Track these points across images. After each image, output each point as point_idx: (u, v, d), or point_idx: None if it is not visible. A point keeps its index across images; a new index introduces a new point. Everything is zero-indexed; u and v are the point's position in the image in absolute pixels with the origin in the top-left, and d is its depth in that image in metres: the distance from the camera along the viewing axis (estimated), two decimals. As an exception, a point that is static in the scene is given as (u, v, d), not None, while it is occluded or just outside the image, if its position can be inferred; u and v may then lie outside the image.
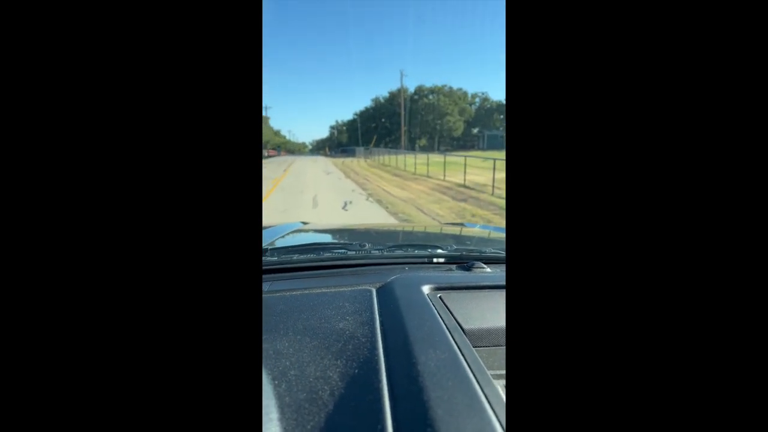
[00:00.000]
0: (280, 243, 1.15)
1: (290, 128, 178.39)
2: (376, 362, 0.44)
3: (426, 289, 0.65)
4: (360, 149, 34.69)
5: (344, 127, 69.51)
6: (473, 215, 6.01)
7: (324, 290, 0.68)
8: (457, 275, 0.76)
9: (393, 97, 47.71)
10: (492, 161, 8.64)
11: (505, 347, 0.53)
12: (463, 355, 0.44)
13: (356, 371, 0.43)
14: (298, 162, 26.04)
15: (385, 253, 0.91)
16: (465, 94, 52.60)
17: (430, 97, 47.65)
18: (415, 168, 14.99)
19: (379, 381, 0.41)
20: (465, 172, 10.18)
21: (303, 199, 7.90)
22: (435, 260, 0.89)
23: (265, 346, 0.48)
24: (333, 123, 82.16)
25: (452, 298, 0.62)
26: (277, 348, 0.48)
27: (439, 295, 0.64)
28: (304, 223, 1.66)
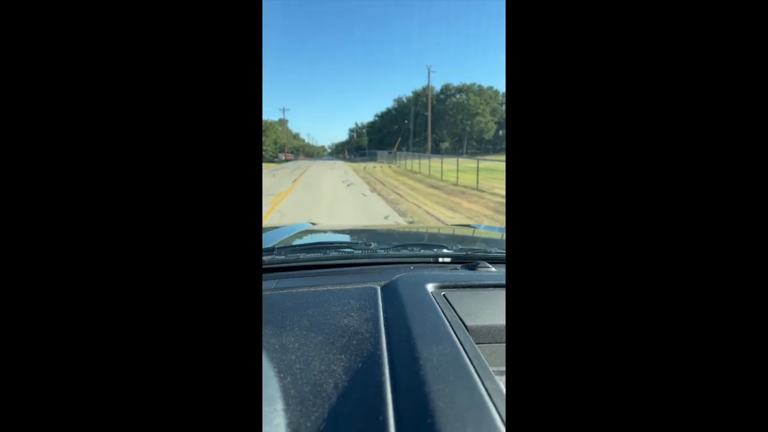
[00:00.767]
0: (288, 243, 1.13)
1: (309, 131, 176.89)
2: (380, 357, 0.45)
3: (430, 287, 0.65)
4: (382, 153, 31.61)
5: (363, 130, 66.71)
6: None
7: (330, 288, 0.68)
8: (461, 274, 0.76)
9: (417, 97, 44.33)
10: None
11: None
12: (465, 350, 0.45)
13: (360, 365, 0.44)
14: (313, 168, 23.03)
15: (391, 252, 0.90)
16: (496, 92, 48.60)
17: (458, 96, 44.17)
18: (457, 177, 11.71)
19: (382, 374, 0.42)
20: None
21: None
22: (440, 260, 0.88)
23: (271, 340, 0.49)
24: (352, 126, 80.00)
25: (456, 296, 0.63)
26: (283, 342, 0.49)
27: (443, 293, 0.64)
28: (313, 223, 1.64)
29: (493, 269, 0.80)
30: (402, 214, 6.65)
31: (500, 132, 47.67)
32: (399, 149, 30.58)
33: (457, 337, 0.48)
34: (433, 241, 1.27)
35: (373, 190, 10.57)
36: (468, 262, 0.84)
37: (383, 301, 0.60)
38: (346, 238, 1.35)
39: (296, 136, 72.04)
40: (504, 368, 0.49)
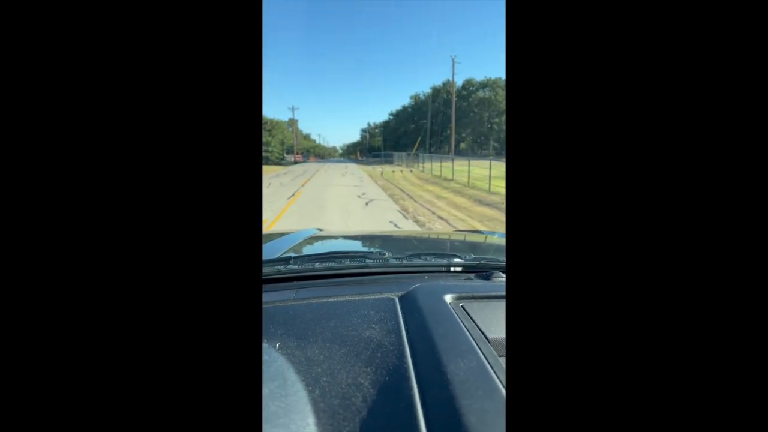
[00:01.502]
0: (299, 251, 1.16)
1: (320, 131, 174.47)
2: (406, 370, 0.45)
3: (448, 298, 0.66)
4: (399, 154, 28.08)
5: (376, 130, 63.29)
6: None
7: (348, 298, 0.68)
8: (477, 284, 0.76)
9: (437, 93, 40.83)
10: None
11: None
12: (490, 364, 0.45)
13: (386, 378, 0.44)
14: (322, 173, 19.72)
15: (404, 261, 0.91)
16: (522, 88, 44.73)
17: (481, 92, 40.52)
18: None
19: (410, 389, 0.42)
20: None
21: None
22: (453, 269, 0.88)
23: (296, 353, 0.50)
24: (364, 126, 76.77)
25: (474, 308, 0.63)
26: (308, 355, 0.49)
27: (461, 305, 0.64)
28: (319, 229, 1.63)
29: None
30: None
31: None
32: (417, 150, 27.20)
33: (481, 350, 0.48)
34: (445, 248, 1.33)
35: (404, 210, 7.27)
36: (482, 271, 0.84)
37: (403, 313, 0.61)
38: (357, 244, 1.43)
39: (307, 137, 69.12)
40: None
